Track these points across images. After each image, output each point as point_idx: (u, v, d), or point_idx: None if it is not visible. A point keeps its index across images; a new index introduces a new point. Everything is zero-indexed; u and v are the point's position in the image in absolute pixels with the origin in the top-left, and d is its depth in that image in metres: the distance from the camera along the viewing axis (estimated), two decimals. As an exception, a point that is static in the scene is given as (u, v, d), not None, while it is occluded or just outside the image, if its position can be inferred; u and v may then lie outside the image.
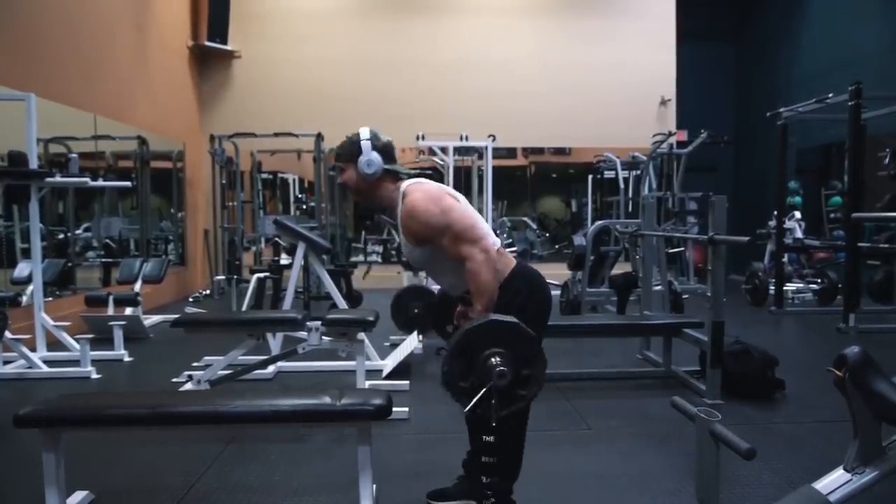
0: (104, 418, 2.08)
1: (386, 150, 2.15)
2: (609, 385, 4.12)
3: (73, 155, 5.13)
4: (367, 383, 3.66)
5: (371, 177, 2.11)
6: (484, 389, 1.73)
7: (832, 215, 7.95)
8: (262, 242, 8.54)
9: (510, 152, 9.69)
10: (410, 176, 2.19)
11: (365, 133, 2.14)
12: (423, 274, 5.68)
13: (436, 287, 4.86)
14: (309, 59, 9.36)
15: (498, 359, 1.73)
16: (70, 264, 6.13)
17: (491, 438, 2.02)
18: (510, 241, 8.26)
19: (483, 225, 2.10)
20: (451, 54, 9.47)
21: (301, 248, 4.62)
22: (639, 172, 8.27)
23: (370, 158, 2.10)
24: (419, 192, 2.06)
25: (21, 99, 4.60)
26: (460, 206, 2.08)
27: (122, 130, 6.94)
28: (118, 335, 4.83)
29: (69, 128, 6.03)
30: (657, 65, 9.66)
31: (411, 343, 4.51)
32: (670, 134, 7.81)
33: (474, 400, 1.74)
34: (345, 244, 9.11)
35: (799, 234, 7.69)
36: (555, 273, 8.18)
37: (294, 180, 10.00)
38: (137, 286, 5.96)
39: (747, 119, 10.55)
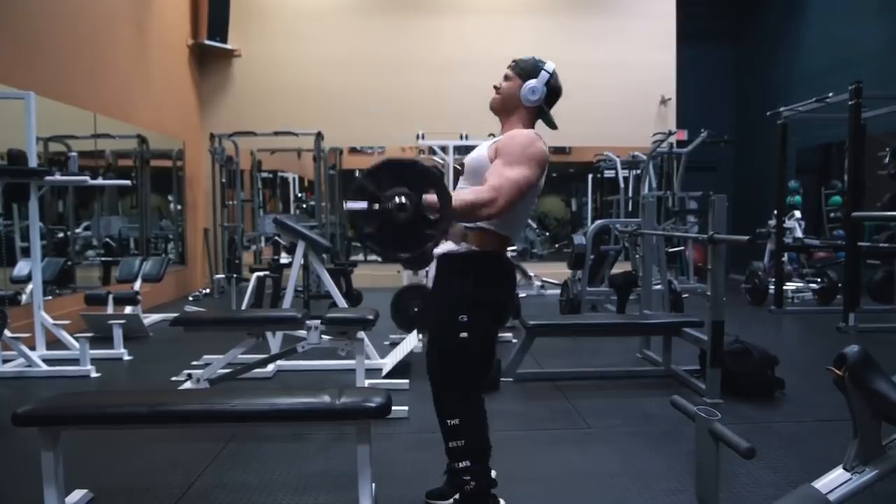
0: (103, 417, 2.08)
1: (553, 94, 2.16)
2: (609, 384, 4.12)
3: (73, 153, 5.13)
4: (367, 382, 3.66)
5: (526, 101, 2.11)
6: (383, 216, 1.73)
7: (832, 215, 7.95)
8: (261, 241, 8.54)
9: (510, 151, 9.67)
10: (551, 127, 2.20)
11: (550, 66, 2.14)
12: (422, 273, 5.68)
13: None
14: (309, 57, 9.36)
15: (402, 196, 1.74)
16: (70, 263, 6.12)
17: (456, 421, 2.05)
18: (510, 240, 8.24)
19: (522, 221, 2.18)
20: (451, 53, 9.46)
21: (301, 247, 4.61)
22: (639, 172, 8.27)
23: (538, 87, 2.10)
24: (541, 143, 2.06)
25: (20, 97, 4.60)
26: (535, 188, 2.08)
27: (122, 129, 6.93)
28: (118, 334, 4.82)
29: (69, 126, 6.02)
30: (657, 64, 9.65)
31: (411, 342, 4.51)
32: (670, 133, 7.81)
33: (376, 238, 1.76)
34: (345, 243, 9.11)
35: (799, 234, 7.69)
36: (555, 272, 8.20)
37: (294, 179, 10.01)
38: (137, 285, 5.96)
39: (747, 119, 10.54)
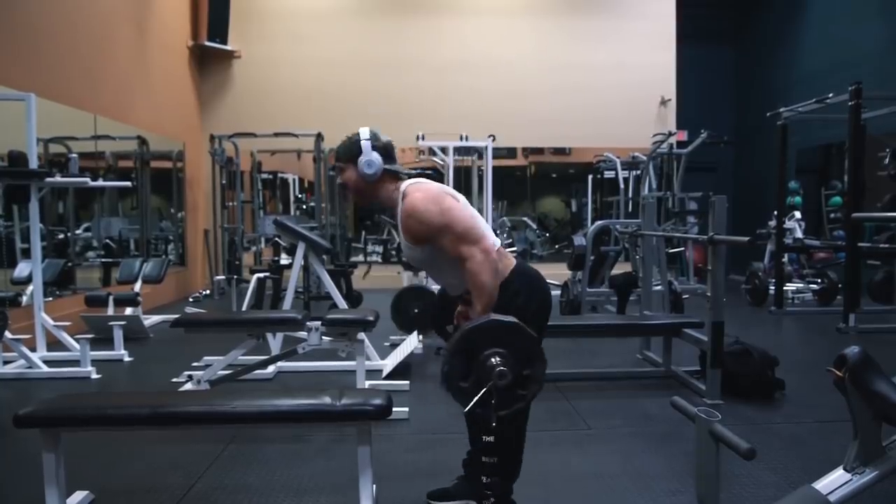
0: (104, 418, 2.08)
1: (386, 150, 2.13)
2: (609, 385, 4.12)
3: (73, 155, 5.13)
4: (367, 383, 3.66)
5: (371, 177, 2.10)
6: (483, 389, 1.72)
7: (832, 215, 7.95)
8: (262, 242, 8.54)
9: (510, 152, 9.69)
10: (410, 176, 2.18)
11: (365, 133, 2.12)
12: (423, 274, 5.68)
13: (436, 287, 4.85)
14: (309, 58, 9.36)
15: (498, 359, 1.72)
16: (70, 264, 6.12)
17: (491, 438, 2.02)
18: (510, 241, 8.27)
19: (483, 225, 2.09)
20: (451, 54, 9.47)
21: (301, 248, 4.62)
22: (639, 172, 8.27)
23: (370, 159, 2.08)
24: (419, 192, 2.05)
25: (21, 99, 4.60)
26: (460, 206, 2.08)
27: (122, 130, 6.94)
28: (118, 335, 4.83)
29: (69, 128, 6.03)
30: (657, 65, 9.66)
31: (411, 343, 4.51)
32: (670, 134, 7.81)
33: (474, 400, 1.73)
34: (345, 244, 9.11)
35: (799, 234, 7.69)
36: (555, 273, 8.19)
37: (294, 180, 10.01)
38: (137, 286, 5.96)
39: (747, 119, 10.55)
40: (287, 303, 4.60)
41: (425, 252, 2.09)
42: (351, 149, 2.12)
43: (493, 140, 7.22)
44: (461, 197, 2.16)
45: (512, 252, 2.40)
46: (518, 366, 1.75)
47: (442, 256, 2.07)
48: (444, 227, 2.00)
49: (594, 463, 2.81)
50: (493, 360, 1.73)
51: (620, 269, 6.98)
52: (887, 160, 6.24)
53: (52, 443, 2.03)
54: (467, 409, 1.76)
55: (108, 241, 7.00)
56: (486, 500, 2.06)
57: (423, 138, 7.18)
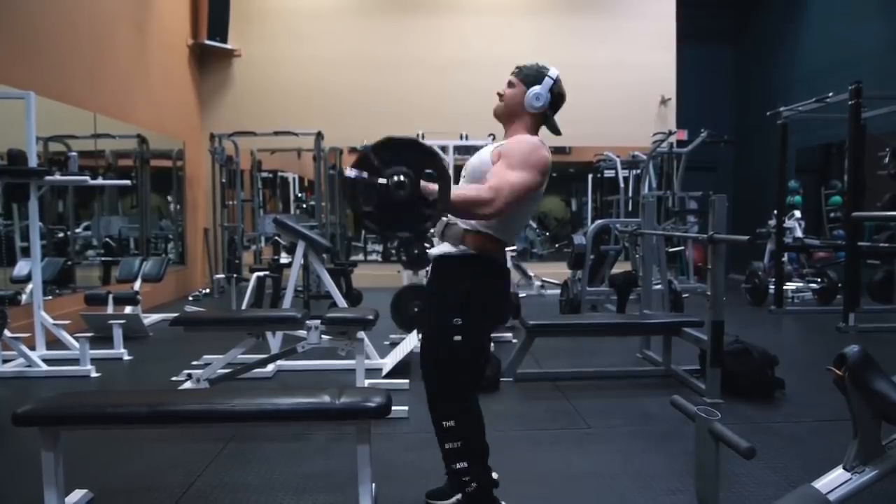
0: (103, 417, 2.08)
1: (557, 101, 2.15)
2: (609, 384, 4.12)
3: (73, 153, 5.13)
4: (367, 382, 3.66)
5: (529, 107, 2.10)
6: (382, 194, 1.73)
7: (832, 215, 7.96)
8: (261, 241, 8.54)
9: (510, 151, 9.67)
10: (555, 133, 2.20)
11: (554, 72, 2.14)
12: (422, 273, 5.68)
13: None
14: (309, 57, 9.36)
15: (401, 174, 1.74)
16: (70, 263, 6.12)
17: (451, 423, 2.05)
18: (510, 240, 8.24)
19: (520, 226, 2.18)
20: (452, 53, 9.46)
21: (301, 247, 4.61)
22: (639, 171, 8.27)
23: (542, 93, 2.10)
24: (545, 150, 2.05)
25: (20, 97, 4.60)
26: (536, 194, 2.07)
27: (122, 129, 6.93)
28: (118, 334, 4.82)
29: (69, 126, 6.02)
30: (657, 64, 9.65)
31: (411, 342, 4.51)
32: (670, 133, 7.81)
33: (365, 206, 1.76)
34: (345, 243, 9.11)
35: (799, 234, 7.69)
36: (555, 272, 8.20)
37: (294, 179, 10.01)
38: (137, 285, 5.96)
39: (747, 119, 10.55)
40: (287, 301, 4.59)
41: (484, 171, 2.04)
42: (535, 75, 2.13)
43: (493, 139, 7.21)
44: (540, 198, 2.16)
45: (512, 252, 2.40)
46: (417, 176, 1.76)
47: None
48: (521, 167, 1.97)
49: (594, 462, 2.81)
50: (396, 176, 1.74)
51: (620, 268, 6.98)
52: (887, 160, 6.24)
53: (52, 441, 2.03)
54: (380, 234, 1.84)
55: (107, 239, 7.00)
56: (467, 488, 2.07)
57: (423, 137, 7.18)
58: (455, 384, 2.11)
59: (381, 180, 1.74)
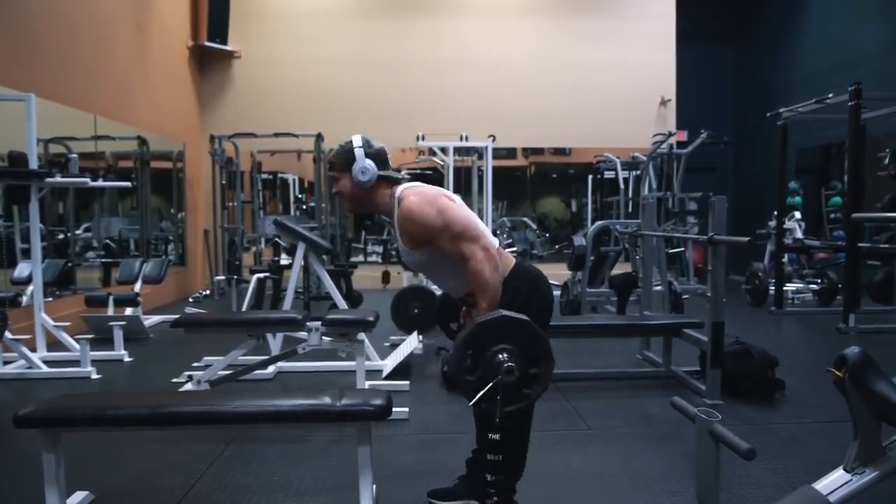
0: (104, 418, 2.08)
1: (379, 156, 2.13)
2: (609, 385, 4.12)
3: (73, 155, 5.13)
4: (367, 383, 3.66)
5: (366, 184, 2.10)
6: (490, 384, 1.72)
7: (832, 215, 7.96)
8: (262, 242, 8.54)
9: (510, 152, 9.69)
10: (405, 180, 2.18)
11: (357, 140, 2.13)
12: (422, 274, 5.68)
13: (436, 287, 4.86)
14: (309, 58, 9.36)
15: (506, 355, 1.73)
16: (70, 264, 6.12)
17: (497, 436, 2.03)
18: (510, 241, 8.26)
19: (480, 224, 2.09)
20: (451, 54, 9.47)
21: (301, 249, 4.62)
22: (639, 172, 8.28)
23: (364, 166, 2.09)
24: (414, 196, 2.05)
25: (21, 99, 4.60)
26: (456, 207, 2.08)
27: (122, 130, 6.94)
28: (118, 335, 4.83)
29: (69, 128, 6.03)
30: (657, 65, 9.66)
31: (411, 343, 4.51)
32: (670, 134, 7.82)
33: (479, 394, 1.73)
34: (345, 244, 9.11)
35: (799, 235, 7.69)
36: (555, 273, 8.20)
37: (294, 180, 10.01)
38: (137, 286, 5.96)
39: (747, 119, 10.55)
40: (287, 303, 4.60)
41: (424, 255, 2.09)
42: (345, 157, 2.12)
43: (493, 140, 7.22)
44: (457, 198, 2.16)
45: (512, 252, 2.40)
46: (525, 363, 1.75)
47: (441, 259, 2.07)
48: (442, 228, 2.00)
49: (594, 463, 2.81)
50: (500, 355, 1.73)
51: (620, 269, 6.98)
52: (887, 160, 6.24)
53: (53, 443, 2.03)
54: (472, 402, 1.76)
55: (108, 241, 7.00)
56: (489, 500, 2.06)
57: (423, 138, 7.18)
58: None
59: (497, 377, 1.72)
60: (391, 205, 2.11)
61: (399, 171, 2.23)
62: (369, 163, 2.09)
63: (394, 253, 8.89)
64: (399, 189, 2.12)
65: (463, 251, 1.98)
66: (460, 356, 1.76)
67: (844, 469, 1.82)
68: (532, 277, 2.13)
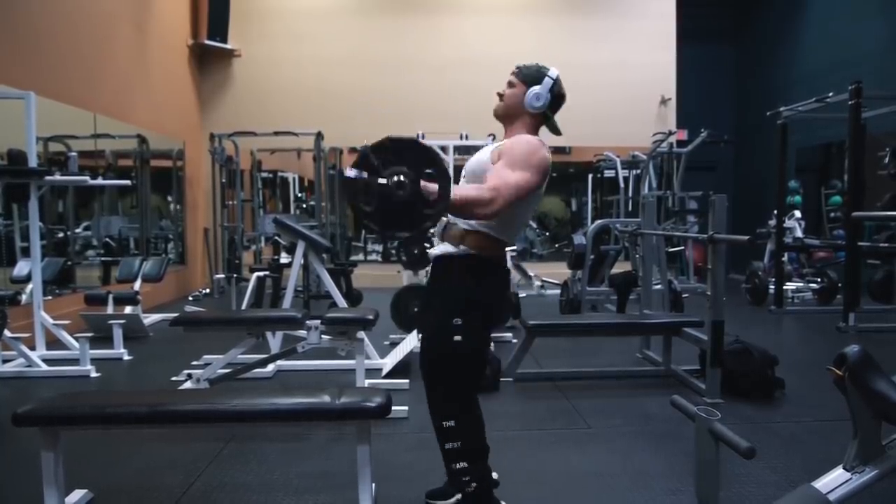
0: (103, 417, 2.08)
1: (557, 101, 2.16)
2: (609, 384, 4.12)
3: (73, 153, 5.13)
4: (367, 382, 3.66)
5: (529, 107, 2.10)
6: (382, 194, 1.73)
7: (832, 214, 7.96)
8: (261, 241, 8.54)
9: (510, 151, 9.66)
10: (555, 134, 2.21)
11: (554, 73, 2.14)
12: (422, 273, 5.68)
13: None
14: (309, 57, 9.36)
15: (401, 175, 1.74)
16: (69, 263, 6.12)
17: (451, 423, 2.05)
18: (510, 240, 8.24)
19: (520, 226, 2.17)
20: (452, 53, 9.46)
21: (301, 247, 4.61)
22: (639, 171, 8.27)
23: (542, 93, 2.10)
24: (545, 150, 2.05)
25: (20, 97, 4.60)
26: (537, 193, 2.07)
27: (122, 129, 6.93)
28: (118, 334, 4.82)
29: (69, 126, 6.02)
30: (657, 64, 9.65)
31: (411, 342, 4.51)
32: (670, 133, 7.81)
33: (366, 208, 1.76)
34: (345, 243, 9.11)
35: (799, 234, 7.69)
36: (555, 272, 8.20)
37: (294, 179, 10.01)
38: (137, 285, 5.96)
39: (747, 118, 10.55)
40: (287, 301, 4.59)
41: (484, 171, 2.04)
42: (535, 76, 2.13)
43: (494, 139, 7.22)
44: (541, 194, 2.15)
45: (512, 252, 2.40)
46: (418, 176, 1.75)
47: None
48: (521, 167, 1.97)
49: (594, 462, 2.81)
50: (396, 176, 1.74)
51: (620, 268, 6.98)
52: (887, 160, 6.24)
53: (52, 442, 2.03)
54: (380, 234, 1.84)
55: (107, 239, 6.99)
56: (467, 488, 2.07)
57: (423, 137, 7.18)
58: (455, 384, 2.11)
59: (381, 180, 1.74)
60: (518, 133, 2.11)
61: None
62: (548, 97, 2.11)
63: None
64: (538, 137, 2.11)
65: (494, 190, 1.91)
66: (357, 182, 1.76)
67: (844, 468, 1.82)
68: (500, 270, 2.16)
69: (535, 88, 2.10)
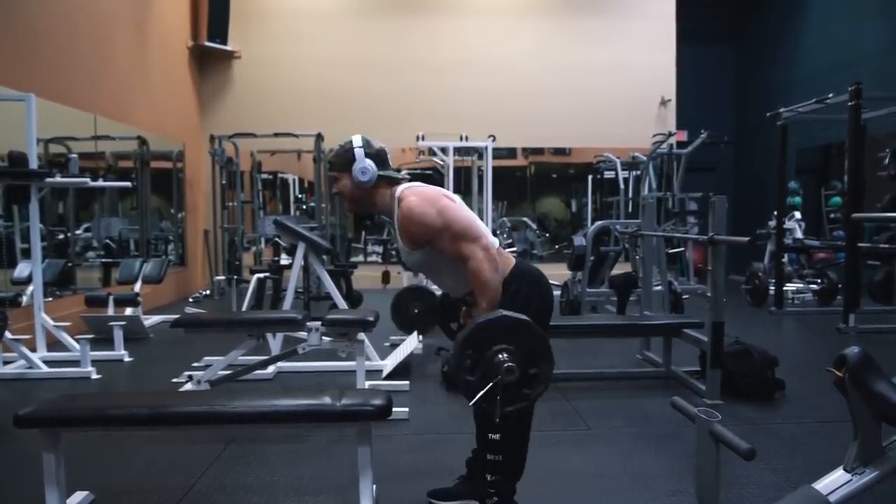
0: (104, 418, 2.08)
1: (379, 156, 2.14)
2: (609, 385, 4.12)
3: (73, 155, 5.13)
4: (367, 383, 3.66)
5: (366, 184, 2.10)
6: (490, 384, 1.73)
7: (832, 215, 7.96)
8: (262, 242, 8.53)
9: (510, 152, 9.68)
10: (405, 180, 2.19)
11: (357, 141, 2.13)
12: (423, 274, 5.68)
13: (436, 287, 4.85)
14: (309, 59, 9.36)
15: (506, 355, 1.74)
16: (70, 264, 6.12)
17: (497, 436, 2.03)
18: (510, 241, 8.26)
19: (480, 224, 2.09)
20: (452, 54, 9.47)
21: (301, 249, 4.62)
22: (639, 173, 8.28)
23: (364, 166, 2.09)
24: (414, 196, 2.05)
25: (21, 99, 4.60)
26: (456, 206, 2.08)
27: (122, 130, 6.94)
28: (118, 335, 4.83)
29: (69, 128, 6.03)
30: (657, 65, 9.66)
31: (411, 343, 4.51)
32: (670, 134, 7.82)
33: (479, 394, 1.74)
34: (345, 244, 9.11)
35: (799, 235, 7.69)
36: (555, 273, 8.19)
37: (294, 180, 10.01)
38: (137, 286, 5.96)
39: (747, 119, 10.55)
40: (287, 303, 4.60)
41: (425, 255, 2.09)
42: (345, 157, 2.12)
43: (493, 140, 7.22)
44: (457, 197, 2.16)
45: (512, 252, 2.40)
46: (525, 363, 1.76)
47: (441, 259, 2.07)
48: (442, 228, 2.00)
49: (594, 463, 2.81)
50: (501, 355, 1.74)
51: (620, 269, 6.98)
52: (887, 160, 6.24)
53: (53, 443, 2.03)
54: (472, 402, 1.77)
55: (108, 241, 7.00)
56: (489, 499, 2.07)
57: (423, 138, 7.18)
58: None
59: (495, 378, 1.74)
60: (391, 205, 2.12)
61: (399, 170, 2.24)
62: (369, 163, 2.10)
63: (394, 253, 8.87)
64: (399, 189, 2.12)
65: (463, 251, 1.99)
66: (460, 356, 1.77)
67: (844, 469, 1.82)
68: (533, 278, 2.13)
69: (355, 167, 2.09)
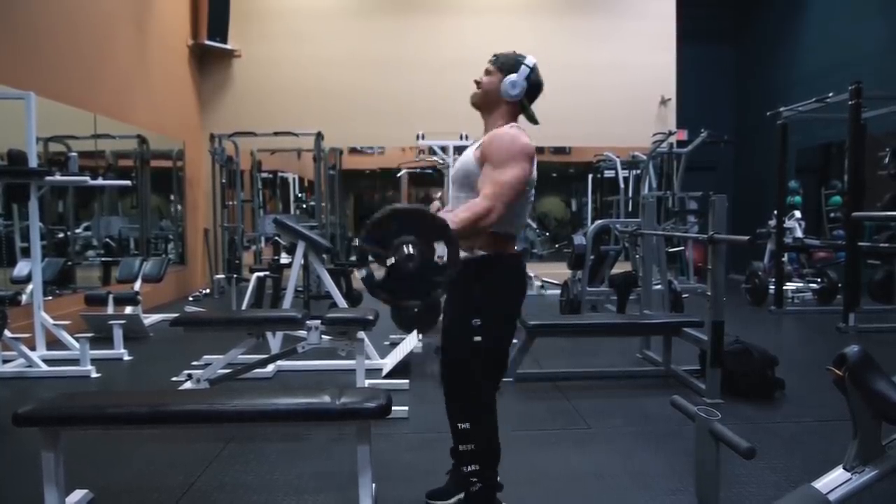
0: (104, 417, 2.08)
1: (534, 89, 2.14)
2: (609, 384, 4.12)
3: (73, 154, 5.13)
4: (367, 382, 3.66)
5: (505, 95, 2.09)
6: (392, 266, 1.77)
7: (832, 215, 7.95)
8: (261, 241, 8.54)
9: (510, 151, 9.66)
10: (531, 122, 2.20)
11: (531, 61, 2.12)
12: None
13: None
14: (309, 58, 9.36)
15: (410, 247, 1.77)
16: (70, 263, 6.12)
17: (466, 425, 2.05)
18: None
19: (523, 216, 2.14)
20: (452, 54, 9.45)
21: (301, 247, 4.62)
22: (639, 172, 8.27)
23: (518, 81, 2.08)
24: (525, 137, 2.05)
25: (20, 98, 4.60)
26: (530, 179, 2.06)
27: (122, 129, 6.93)
28: (118, 334, 4.83)
29: (69, 127, 6.02)
30: (657, 64, 9.66)
31: (411, 342, 4.51)
32: (670, 133, 7.81)
33: (378, 279, 1.80)
34: (345, 243, 9.11)
35: (799, 234, 7.69)
36: (555, 272, 8.20)
37: (294, 179, 10.01)
38: (137, 285, 5.96)
39: (747, 118, 10.55)
40: (287, 302, 4.60)
41: (468, 176, 2.07)
42: (511, 64, 2.11)
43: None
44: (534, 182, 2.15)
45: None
46: (428, 250, 1.78)
47: (470, 195, 2.05)
48: (507, 164, 1.97)
49: (594, 462, 2.81)
50: (404, 247, 1.77)
51: (620, 268, 6.98)
52: (887, 160, 6.24)
53: (52, 442, 2.03)
54: (392, 304, 1.88)
55: (107, 239, 7.00)
56: (472, 487, 2.08)
57: (423, 137, 7.18)
58: (474, 384, 2.10)
59: (390, 260, 1.77)
60: (498, 123, 2.11)
61: (531, 116, 2.22)
62: (524, 84, 2.09)
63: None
64: (513, 125, 2.11)
65: (490, 198, 1.93)
66: (366, 252, 1.81)
67: (844, 468, 1.82)
68: (515, 268, 2.17)
69: (512, 76, 2.08)
